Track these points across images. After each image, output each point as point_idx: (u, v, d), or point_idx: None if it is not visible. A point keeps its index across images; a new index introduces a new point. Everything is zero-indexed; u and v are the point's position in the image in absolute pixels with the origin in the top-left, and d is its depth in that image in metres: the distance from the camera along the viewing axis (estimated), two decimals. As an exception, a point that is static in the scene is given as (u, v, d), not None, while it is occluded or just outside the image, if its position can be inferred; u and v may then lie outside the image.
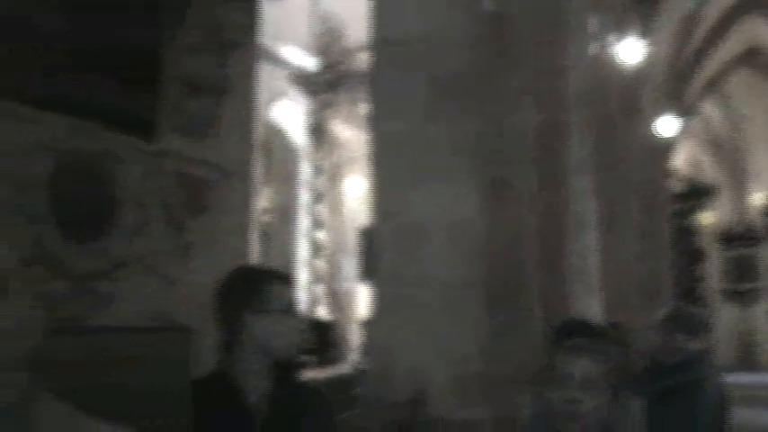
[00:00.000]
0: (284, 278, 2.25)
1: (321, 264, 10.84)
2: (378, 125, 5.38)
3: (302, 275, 10.49)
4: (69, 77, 2.17)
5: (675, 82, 12.30)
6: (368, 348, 7.06)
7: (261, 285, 2.18)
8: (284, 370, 2.25)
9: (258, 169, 3.65)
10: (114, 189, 2.31)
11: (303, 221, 10.89)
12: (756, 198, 19.02)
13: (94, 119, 2.24)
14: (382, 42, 5.36)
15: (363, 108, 8.13)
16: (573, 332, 2.00)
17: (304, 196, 10.94)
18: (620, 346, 3.15)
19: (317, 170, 10.94)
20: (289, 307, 2.18)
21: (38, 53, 2.08)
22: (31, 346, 1.13)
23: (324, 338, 9.54)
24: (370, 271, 5.97)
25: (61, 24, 2.14)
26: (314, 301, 10.64)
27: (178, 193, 2.61)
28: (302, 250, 10.80)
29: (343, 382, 6.91)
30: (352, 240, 10.59)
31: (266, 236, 10.23)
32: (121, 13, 2.37)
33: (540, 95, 5.60)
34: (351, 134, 10.82)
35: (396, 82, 5.19)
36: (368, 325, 7.02)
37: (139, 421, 1.41)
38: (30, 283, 1.19)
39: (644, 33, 9.75)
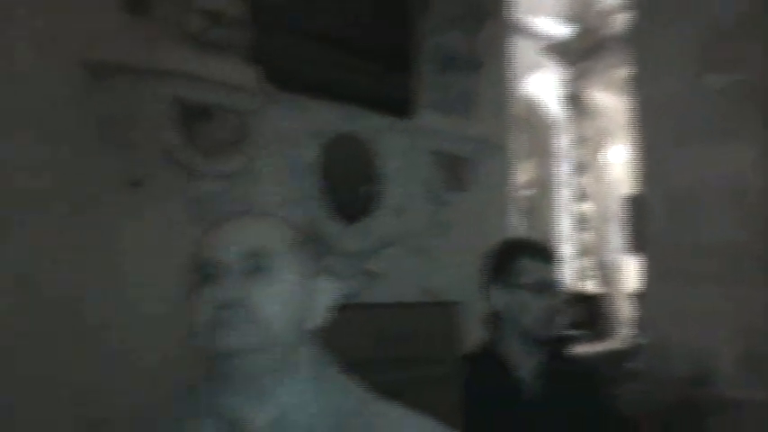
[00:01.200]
0: (537, 253, 2.16)
1: (586, 236, 10.54)
2: (642, 87, 5.08)
3: (566, 249, 10.27)
4: (330, 64, 2.27)
5: None
6: (642, 322, 6.74)
7: (507, 260, 2.13)
8: (553, 345, 2.18)
9: (516, 143, 3.59)
10: (377, 169, 2.38)
11: (564, 194, 10.66)
12: None
13: (356, 102, 2.32)
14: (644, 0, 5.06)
15: (623, 72, 7.74)
16: None
17: (564, 168, 10.69)
18: None
19: (577, 141, 10.63)
20: (540, 283, 2.09)
21: (304, 44, 2.19)
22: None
23: (592, 312, 9.29)
24: (638, 241, 5.67)
25: (319, 13, 2.24)
26: (580, 275, 10.38)
27: (437, 170, 2.63)
28: (564, 223, 10.58)
29: (614, 357, 6.68)
30: (616, 210, 10.18)
31: (529, 210, 10.15)
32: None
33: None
34: (610, 101, 10.36)
35: (660, 40, 4.86)
36: (639, 297, 6.71)
37: (412, 394, 1.42)
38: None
39: None
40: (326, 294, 1.22)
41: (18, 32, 1.72)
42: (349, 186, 2.29)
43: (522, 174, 9.77)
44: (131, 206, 1.83)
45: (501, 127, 3.11)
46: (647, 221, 4.96)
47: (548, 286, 2.10)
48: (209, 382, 1.15)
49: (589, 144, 10.67)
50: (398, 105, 2.47)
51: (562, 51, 10.46)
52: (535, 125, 10.59)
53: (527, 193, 10.29)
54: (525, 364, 2.12)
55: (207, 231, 1.19)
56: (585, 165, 10.64)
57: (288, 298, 1.13)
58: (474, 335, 2.26)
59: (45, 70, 1.74)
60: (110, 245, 1.81)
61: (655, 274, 4.87)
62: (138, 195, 1.83)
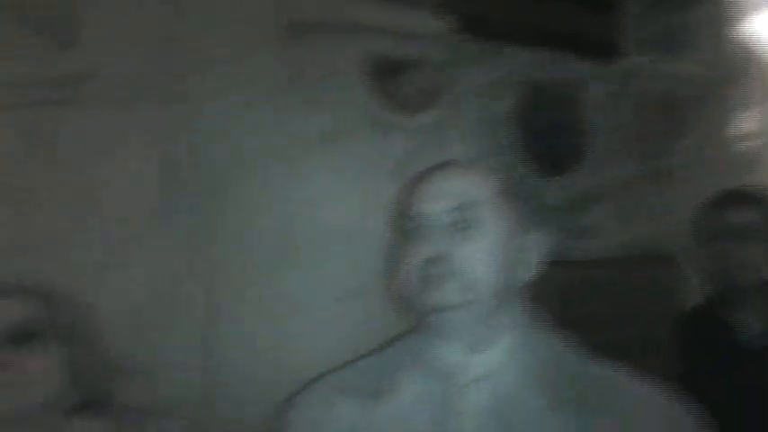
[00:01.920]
0: (743, 201, 1.96)
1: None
2: None
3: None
4: (525, 8, 2.18)
5: None
6: None
7: (712, 212, 1.97)
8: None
9: (737, 89, 3.31)
10: (581, 117, 2.27)
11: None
12: None
13: (555, 47, 2.22)
14: None
15: None
16: None
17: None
18: None
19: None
20: (744, 231, 1.91)
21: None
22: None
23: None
24: None
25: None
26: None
27: (648, 118, 2.47)
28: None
29: None
30: None
31: (752, 161, 9.40)
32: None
33: None
34: None
35: None
36: None
37: (626, 353, 1.34)
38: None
39: None
40: (536, 249, 1.16)
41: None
42: (551, 138, 2.20)
43: (745, 122, 9.04)
44: (329, 163, 1.86)
45: (721, 70, 2.86)
46: None
47: (755, 235, 1.92)
48: (418, 335, 1.14)
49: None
50: (603, 48, 2.32)
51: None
52: (759, 69, 9.75)
53: (750, 143, 9.53)
54: (752, 323, 1.95)
55: (412, 184, 1.16)
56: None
57: (496, 252, 1.08)
58: (693, 292, 2.11)
59: (245, 31, 1.80)
60: (309, 201, 1.86)
61: None
62: (335, 152, 1.86)
